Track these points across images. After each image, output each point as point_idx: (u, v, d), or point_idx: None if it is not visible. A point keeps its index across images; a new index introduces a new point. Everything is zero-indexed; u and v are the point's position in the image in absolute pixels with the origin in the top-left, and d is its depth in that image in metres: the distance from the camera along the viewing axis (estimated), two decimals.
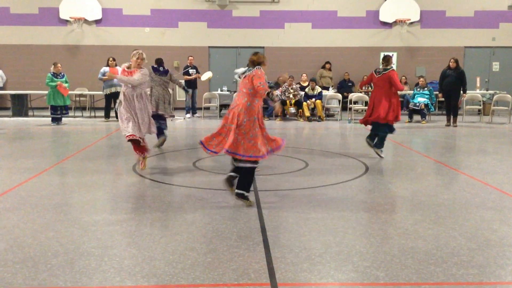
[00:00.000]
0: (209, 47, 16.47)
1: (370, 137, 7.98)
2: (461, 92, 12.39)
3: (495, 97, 13.80)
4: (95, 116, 14.26)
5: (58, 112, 12.46)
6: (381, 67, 7.92)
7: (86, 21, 16.22)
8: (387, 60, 7.84)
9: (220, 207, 5.07)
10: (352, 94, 14.48)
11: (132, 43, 15.90)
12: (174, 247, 3.92)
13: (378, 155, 7.91)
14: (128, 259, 3.67)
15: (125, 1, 16.30)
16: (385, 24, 16.61)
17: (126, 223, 4.57)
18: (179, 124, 13.02)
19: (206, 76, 13.03)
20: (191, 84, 14.24)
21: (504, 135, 10.88)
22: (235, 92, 14.83)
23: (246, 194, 5.11)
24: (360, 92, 14.05)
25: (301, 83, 15.06)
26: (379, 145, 7.93)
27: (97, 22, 16.34)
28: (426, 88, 13.52)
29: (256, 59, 5.15)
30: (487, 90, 15.46)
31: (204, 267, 3.53)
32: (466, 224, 4.54)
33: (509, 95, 13.70)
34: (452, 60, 12.42)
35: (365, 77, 15.32)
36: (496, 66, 17.00)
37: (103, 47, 15.96)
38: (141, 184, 6.16)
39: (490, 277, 3.42)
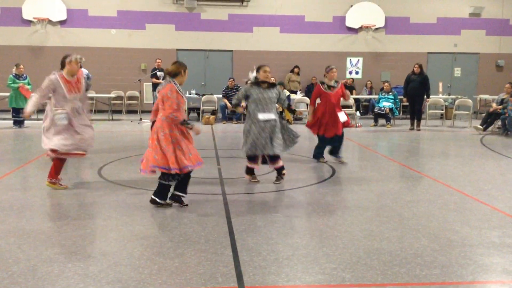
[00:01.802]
0: (177, 49, 16.33)
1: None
2: (425, 96, 12.71)
3: (456, 101, 14.21)
4: None
5: (20, 114, 12.09)
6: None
7: (50, 21, 15.79)
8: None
9: (188, 211, 5.03)
10: None
11: (98, 44, 15.62)
12: (140, 252, 3.87)
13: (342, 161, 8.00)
14: (93, 265, 3.59)
15: (91, 2, 15.98)
16: (351, 30, 16.88)
17: (90, 228, 4.48)
18: (146, 127, 12.84)
19: None
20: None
21: (465, 139, 11.22)
22: (204, 95, 14.75)
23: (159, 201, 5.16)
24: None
25: None
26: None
27: (62, 23, 15.96)
28: (390, 93, 13.78)
29: (172, 70, 4.85)
30: (449, 95, 15.91)
31: (171, 272, 3.50)
32: (429, 226, 4.66)
33: (470, 100, 14.15)
34: (416, 65, 12.72)
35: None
36: (457, 72, 17.52)
37: (68, 49, 15.51)
38: (106, 188, 6.05)
39: (452, 277, 3.51)
